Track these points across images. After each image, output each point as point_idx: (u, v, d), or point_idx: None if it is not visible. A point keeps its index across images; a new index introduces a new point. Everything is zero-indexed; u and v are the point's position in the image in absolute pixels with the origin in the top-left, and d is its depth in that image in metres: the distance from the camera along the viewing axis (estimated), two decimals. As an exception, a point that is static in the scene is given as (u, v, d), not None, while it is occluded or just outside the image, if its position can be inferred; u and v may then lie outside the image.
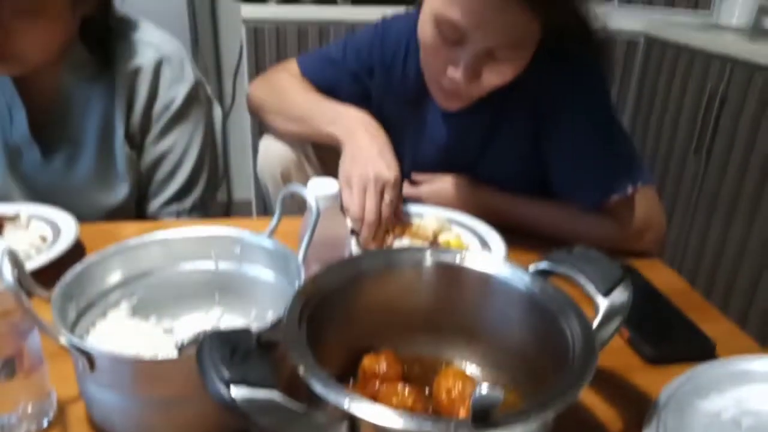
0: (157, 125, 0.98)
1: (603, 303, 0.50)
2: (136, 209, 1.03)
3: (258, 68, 2.07)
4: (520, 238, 0.84)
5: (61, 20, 0.83)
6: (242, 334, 0.43)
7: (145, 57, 0.95)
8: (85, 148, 0.94)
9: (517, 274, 0.53)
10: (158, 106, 0.97)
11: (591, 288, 0.51)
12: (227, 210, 2.82)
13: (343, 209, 0.78)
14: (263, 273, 0.64)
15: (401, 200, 0.84)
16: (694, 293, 0.79)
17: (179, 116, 0.99)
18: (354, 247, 0.79)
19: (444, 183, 0.94)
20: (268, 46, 2.05)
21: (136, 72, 0.94)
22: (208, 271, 0.65)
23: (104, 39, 0.91)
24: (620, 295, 0.51)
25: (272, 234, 0.63)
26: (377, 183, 0.78)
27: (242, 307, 0.65)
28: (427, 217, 0.85)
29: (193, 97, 1.00)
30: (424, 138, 0.96)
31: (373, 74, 0.98)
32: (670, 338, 0.68)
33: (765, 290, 1.59)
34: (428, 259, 0.55)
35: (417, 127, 0.96)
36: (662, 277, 0.81)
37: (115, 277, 0.60)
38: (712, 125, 1.74)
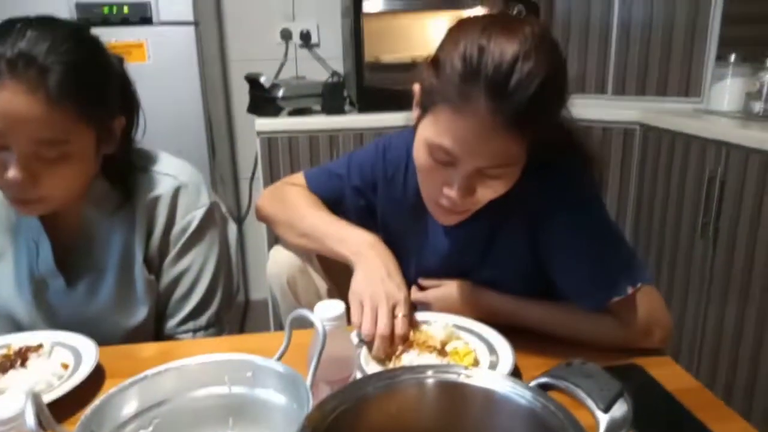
0: (174, 248, 1.03)
1: (603, 419, 0.51)
2: (155, 328, 1.06)
3: (272, 174, 2.17)
4: (528, 340, 0.86)
5: (86, 162, 0.89)
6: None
7: (163, 187, 1.00)
8: (106, 276, 0.99)
9: (520, 390, 0.55)
10: (176, 230, 1.02)
11: (590, 404, 0.52)
12: (245, 311, 2.85)
13: (353, 326, 0.82)
14: (274, 397, 0.66)
15: (411, 317, 0.88)
16: (705, 391, 0.79)
17: (195, 238, 1.04)
18: (364, 359, 0.81)
19: (449, 288, 0.97)
20: (281, 154, 2.16)
21: (155, 201, 1.00)
22: (222, 396, 0.67)
23: (125, 174, 0.98)
24: (620, 409, 0.52)
25: (282, 357, 0.66)
26: (389, 301, 0.84)
27: (255, 431, 0.66)
28: (434, 325, 0.87)
29: (208, 220, 1.05)
30: (427, 247, 1.00)
31: (376, 189, 1.03)
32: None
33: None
34: (430, 379, 0.57)
35: (420, 237, 1.01)
36: (672, 375, 0.81)
37: (132, 407, 0.63)
38: (715, 208, 1.77)
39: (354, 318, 0.84)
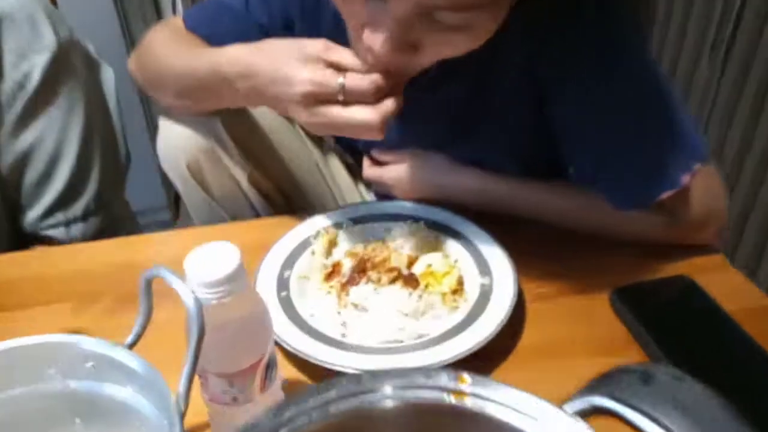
0: (10, 114, 0.71)
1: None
2: (11, 225, 0.77)
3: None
4: (524, 239, 0.60)
5: None
6: None
7: None
8: None
9: (550, 425, 0.30)
10: (6, 87, 0.70)
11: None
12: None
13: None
14: (131, 398, 0.39)
15: None
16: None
17: (42, 98, 0.72)
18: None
19: (415, 163, 0.68)
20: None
21: None
22: (57, 394, 0.41)
23: None
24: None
25: (137, 341, 0.39)
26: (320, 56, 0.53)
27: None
28: (398, 229, 0.60)
29: (59, 68, 0.73)
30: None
31: (291, 27, 0.68)
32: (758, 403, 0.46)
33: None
34: (393, 401, 0.32)
35: None
36: (725, 284, 0.58)
37: None
38: (733, 20, 1.45)
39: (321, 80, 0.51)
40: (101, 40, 0.89)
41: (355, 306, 0.52)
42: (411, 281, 0.53)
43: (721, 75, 1.53)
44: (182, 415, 0.35)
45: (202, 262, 0.37)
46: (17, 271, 0.65)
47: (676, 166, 0.56)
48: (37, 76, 0.71)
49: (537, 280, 0.59)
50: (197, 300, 0.35)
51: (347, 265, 0.56)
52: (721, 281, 0.58)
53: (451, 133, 0.66)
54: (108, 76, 0.84)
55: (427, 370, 0.32)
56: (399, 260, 0.55)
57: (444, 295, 0.53)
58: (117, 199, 0.85)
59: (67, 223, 0.78)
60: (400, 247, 0.58)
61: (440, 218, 0.62)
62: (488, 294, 0.53)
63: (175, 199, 1.34)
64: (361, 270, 0.54)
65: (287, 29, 0.67)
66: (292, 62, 0.53)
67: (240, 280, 0.38)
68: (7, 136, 0.72)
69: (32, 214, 0.76)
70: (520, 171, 0.64)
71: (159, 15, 2.08)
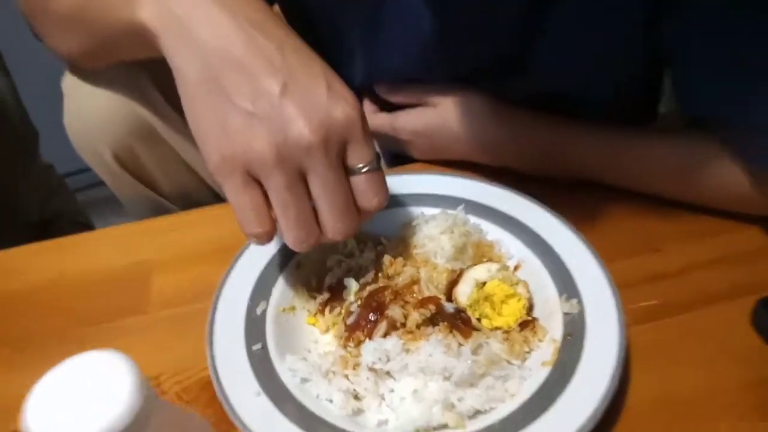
0: None
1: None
2: None
3: None
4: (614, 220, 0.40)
5: None
6: None
7: None
8: None
9: None
10: None
11: None
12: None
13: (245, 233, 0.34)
14: None
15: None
16: None
17: None
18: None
19: (445, 108, 0.46)
20: None
21: None
22: None
23: None
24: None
25: None
26: (329, 142, 0.31)
27: None
28: (426, 226, 0.39)
29: None
30: (394, 25, 0.45)
31: None
32: None
33: None
34: None
35: (376, 8, 0.45)
36: None
37: None
38: None
39: (239, 210, 0.32)
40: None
41: (374, 372, 0.33)
42: (464, 327, 0.33)
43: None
44: None
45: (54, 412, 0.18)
46: None
47: None
48: None
49: (636, 286, 0.39)
50: None
51: (352, 288, 0.37)
52: None
53: (507, 51, 0.43)
54: None
55: None
56: (436, 285, 0.35)
57: (507, 337, 0.34)
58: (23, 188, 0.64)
59: None
60: (432, 255, 0.37)
61: (491, 200, 0.41)
62: (580, 330, 0.34)
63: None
64: (377, 306, 0.34)
65: None
66: (272, 101, 0.31)
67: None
68: None
69: None
70: (617, 106, 0.43)
71: None
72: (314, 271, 0.39)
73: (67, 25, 0.42)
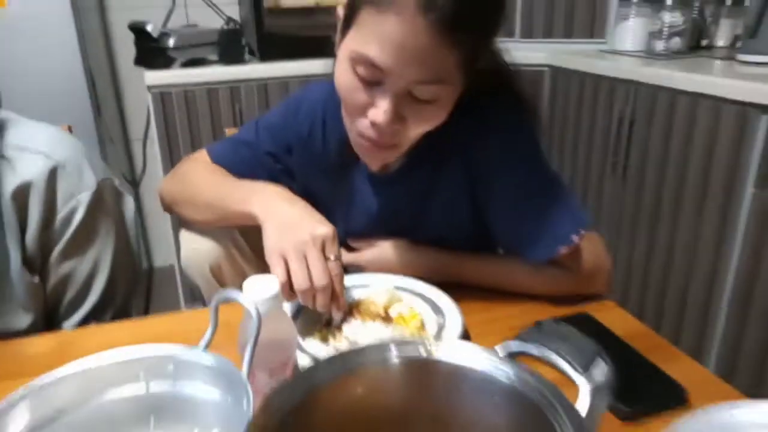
0: (59, 244, 0.87)
1: (585, 384, 0.46)
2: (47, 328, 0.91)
3: (168, 133, 1.98)
4: (471, 297, 0.81)
5: None
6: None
7: (33, 170, 0.82)
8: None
9: (493, 363, 0.49)
10: (58, 222, 0.85)
11: (569, 369, 0.47)
12: (149, 281, 2.66)
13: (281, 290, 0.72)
14: (202, 391, 0.56)
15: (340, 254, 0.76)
16: (651, 334, 0.78)
17: (84, 229, 0.88)
18: (299, 334, 0.72)
19: (383, 248, 0.89)
20: (176, 109, 1.96)
21: (25, 189, 0.82)
22: (139, 397, 0.57)
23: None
24: (600, 372, 0.47)
25: (208, 346, 0.56)
26: (316, 243, 0.71)
27: (184, 429, 0.57)
28: (373, 288, 0.79)
29: (98, 204, 0.89)
30: (354, 207, 0.92)
31: (291, 151, 0.93)
32: (641, 390, 0.66)
33: (701, 306, 1.64)
34: (391, 359, 0.50)
35: (346, 198, 0.92)
36: (616, 319, 0.80)
37: (18, 427, 0.51)
38: (624, 146, 1.81)
39: (279, 277, 0.70)
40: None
41: (347, 339, 0.70)
42: (387, 320, 0.72)
43: (623, 191, 1.86)
44: (249, 393, 0.52)
45: (257, 287, 0.56)
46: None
47: (568, 231, 0.80)
48: (81, 213, 0.86)
49: (475, 314, 0.79)
50: (257, 310, 0.54)
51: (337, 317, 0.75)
52: (612, 317, 0.80)
53: (408, 221, 0.89)
54: (129, 203, 0.99)
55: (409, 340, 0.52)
56: (377, 307, 0.75)
57: (412, 332, 0.73)
58: (135, 301, 1.01)
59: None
60: (377, 300, 0.77)
61: (403, 283, 0.83)
62: (443, 327, 0.73)
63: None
64: (350, 314, 0.73)
65: (288, 153, 0.91)
66: (296, 228, 0.72)
67: (278, 300, 0.57)
68: (56, 262, 0.87)
69: (69, 324, 0.91)
70: (467, 243, 0.87)
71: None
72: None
73: (200, 210, 0.87)
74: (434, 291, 0.80)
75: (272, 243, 0.73)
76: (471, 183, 0.84)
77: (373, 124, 0.72)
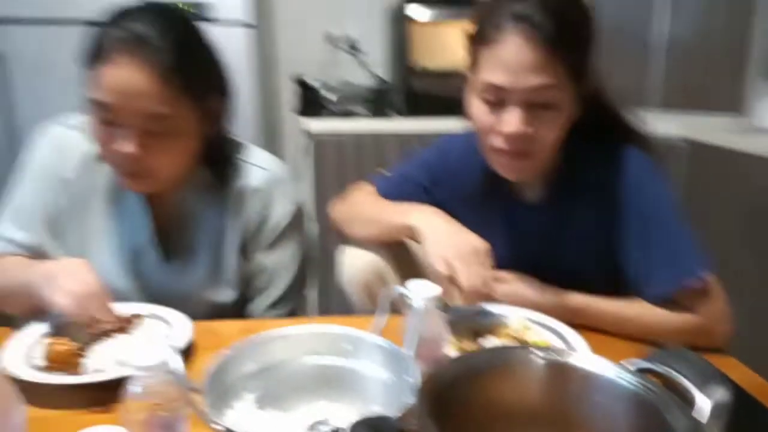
0: (267, 241, 1.08)
1: (704, 400, 0.54)
2: (240, 310, 1.11)
3: (321, 175, 2.21)
4: (597, 337, 0.89)
5: (190, 139, 0.94)
6: (385, 421, 0.50)
7: (258, 178, 1.05)
8: (199, 255, 1.04)
9: (621, 373, 0.58)
10: (271, 223, 1.07)
11: (690, 386, 0.55)
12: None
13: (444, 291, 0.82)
14: (374, 370, 0.70)
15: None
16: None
17: (287, 234, 1.09)
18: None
19: (518, 284, 1.00)
20: (328, 155, 2.20)
21: (250, 191, 1.05)
22: (324, 366, 0.72)
23: (221, 159, 1.04)
24: (719, 392, 0.55)
25: (380, 332, 0.70)
26: (477, 254, 0.85)
27: (349, 400, 0.70)
28: (511, 317, 0.90)
29: (299, 217, 1.11)
30: (499, 238, 1.03)
31: (441, 185, 1.08)
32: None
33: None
34: (538, 359, 0.61)
35: (492, 229, 1.03)
36: (739, 375, 0.83)
37: (248, 368, 0.68)
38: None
39: (444, 273, 0.83)
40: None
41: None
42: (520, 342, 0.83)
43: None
44: (416, 377, 0.64)
45: (420, 285, 0.70)
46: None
47: (695, 268, 0.87)
48: (288, 220, 1.08)
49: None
50: (423, 305, 0.67)
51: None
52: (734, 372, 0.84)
53: (548, 251, 1.00)
54: (312, 228, 1.21)
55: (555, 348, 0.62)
56: (513, 332, 0.86)
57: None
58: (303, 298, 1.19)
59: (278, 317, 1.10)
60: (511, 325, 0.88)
61: (535, 317, 0.93)
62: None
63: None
64: (489, 332, 0.85)
65: (439, 187, 1.08)
66: (457, 237, 0.88)
67: (437, 301, 0.70)
68: (258, 254, 1.08)
69: (257, 306, 1.09)
70: (597, 279, 0.95)
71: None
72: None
73: (364, 225, 1.04)
74: (563, 327, 0.89)
75: (435, 249, 0.87)
76: (603, 211, 0.95)
77: (505, 136, 0.87)
